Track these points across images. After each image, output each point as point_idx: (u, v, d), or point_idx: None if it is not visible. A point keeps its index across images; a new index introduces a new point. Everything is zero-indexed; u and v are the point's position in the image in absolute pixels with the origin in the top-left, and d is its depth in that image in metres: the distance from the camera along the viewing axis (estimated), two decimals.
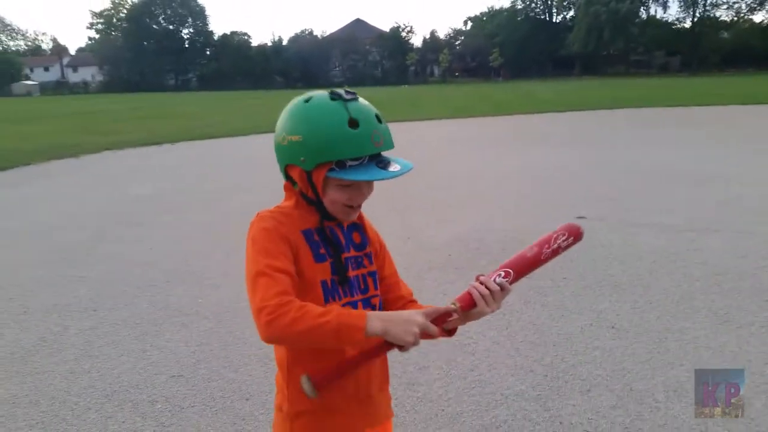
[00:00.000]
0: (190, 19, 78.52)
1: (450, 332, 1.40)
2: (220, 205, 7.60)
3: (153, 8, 76.74)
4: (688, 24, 66.92)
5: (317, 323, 1.16)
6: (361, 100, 1.29)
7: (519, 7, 76.37)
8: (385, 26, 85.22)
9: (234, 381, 3.20)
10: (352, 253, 1.41)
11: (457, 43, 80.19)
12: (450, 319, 1.32)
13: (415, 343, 1.20)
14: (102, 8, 76.89)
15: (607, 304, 4.07)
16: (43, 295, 4.62)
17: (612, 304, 4.09)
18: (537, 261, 1.36)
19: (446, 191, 8.26)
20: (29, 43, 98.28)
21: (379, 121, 1.28)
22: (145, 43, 74.82)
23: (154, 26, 77.47)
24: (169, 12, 77.61)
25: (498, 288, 1.30)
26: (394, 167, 1.27)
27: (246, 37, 78.50)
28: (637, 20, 65.92)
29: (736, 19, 65.71)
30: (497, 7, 78.90)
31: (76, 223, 7.03)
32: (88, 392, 3.14)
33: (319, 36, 77.54)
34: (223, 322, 3.96)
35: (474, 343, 3.52)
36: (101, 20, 79.40)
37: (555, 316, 3.93)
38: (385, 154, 1.31)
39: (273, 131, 1.37)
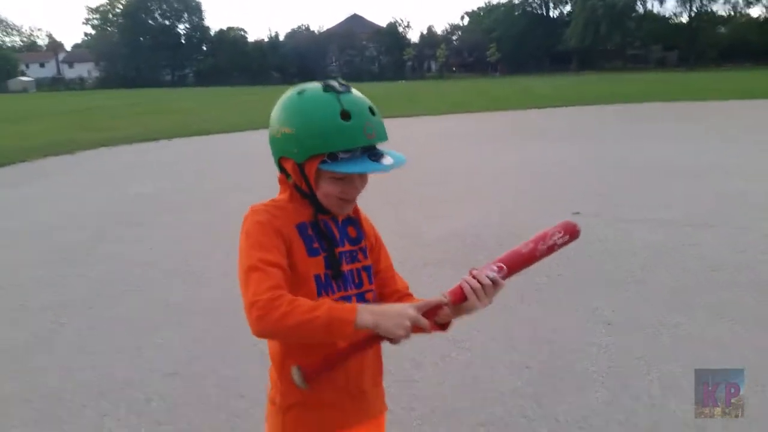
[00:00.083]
0: (186, 15, 78.20)
1: (444, 326, 1.39)
2: (218, 203, 7.57)
3: (149, 3, 76.41)
4: (685, 19, 66.89)
5: (308, 317, 1.16)
6: (354, 92, 1.28)
7: (516, 2, 76.08)
8: (382, 22, 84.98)
9: (229, 378, 3.20)
10: (347, 247, 1.40)
11: (454, 38, 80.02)
12: (441, 312, 1.30)
13: (406, 337, 1.20)
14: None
15: (603, 300, 4.08)
16: (39, 293, 4.61)
17: (607, 299, 4.09)
18: (532, 257, 1.34)
19: (443, 187, 8.26)
20: (24, 39, 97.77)
21: (373, 113, 1.27)
22: (141, 38, 74.50)
23: (150, 22, 77.14)
24: (165, 7, 77.27)
25: (490, 283, 1.29)
26: (387, 160, 1.27)
27: (242, 33, 78.22)
28: (633, 15, 65.87)
29: (733, 13, 65.68)
30: (494, 2, 78.29)
31: (72, 221, 7.02)
32: (83, 390, 3.13)
33: (315, 31, 77.32)
34: (218, 320, 3.95)
35: (469, 339, 3.52)
36: (97, 16, 79.03)
37: (550, 312, 3.94)
38: (380, 147, 1.30)
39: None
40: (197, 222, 6.79)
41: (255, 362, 3.31)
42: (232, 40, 74.67)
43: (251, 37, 78.86)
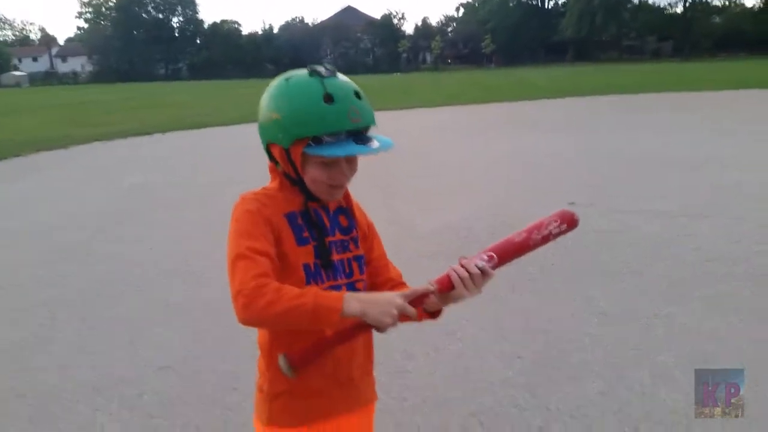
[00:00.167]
0: (179, 8, 77.75)
1: (434, 315, 1.39)
2: (214, 197, 7.55)
3: None
4: (680, 9, 66.85)
5: (294, 305, 1.16)
6: (339, 76, 1.28)
7: None
8: (377, 13, 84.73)
9: (222, 372, 3.20)
10: (338, 236, 1.40)
11: (449, 29, 79.92)
12: (427, 300, 1.29)
13: (393, 325, 1.20)
14: None
15: (597, 291, 4.08)
16: (34, 290, 4.59)
17: (601, 290, 4.10)
18: (524, 246, 1.31)
19: (437, 179, 8.25)
20: (17, 33, 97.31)
21: (358, 97, 1.26)
22: (134, 32, 74.09)
23: (144, 15, 76.67)
24: (158, 0, 76.81)
25: (478, 272, 1.27)
26: (373, 144, 1.26)
27: (236, 26, 77.90)
28: (629, 5, 65.86)
29: (727, 3, 65.74)
30: None
31: (66, 217, 6.99)
32: (76, 386, 3.12)
33: (310, 24, 77.12)
34: (212, 315, 3.93)
35: (461, 330, 3.52)
36: (90, 9, 78.51)
37: (544, 302, 3.95)
38: (371, 134, 1.30)
39: None
40: (193, 217, 6.75)
41: (248, 356, 3.30)
42: (225, 33, 74.35)
43: (245, 30, 78.64)
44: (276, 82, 1.31)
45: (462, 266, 1.28)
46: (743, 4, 65.44)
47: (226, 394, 2.97)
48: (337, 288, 1.36)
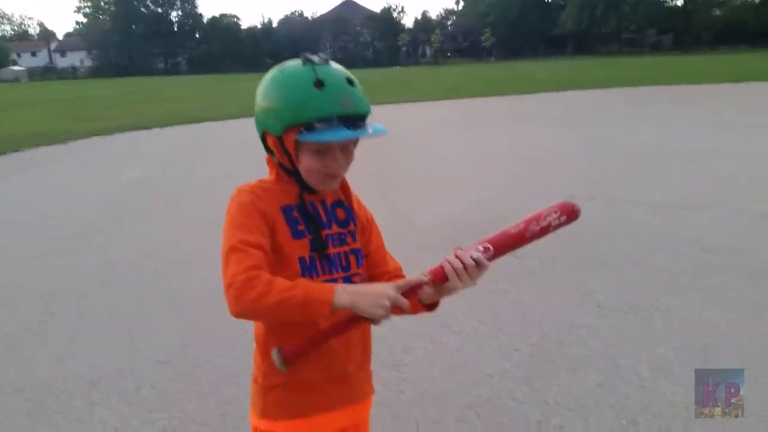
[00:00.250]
0: (178, 2, 77.58)
1: (431, 307, 1.37)
2: (212, 191, 7.53)
3: None
4: (680, 2, 66.48)
5: (284, 297, 1.15)
6: (333, 64, 1.27)
7: None
8: (376, 7, 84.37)
9: (221, 366, 3.19)
10: (335, 229, 1.39)
11: (449, 23, 79.69)
12: (421, 291, 1.27)
13: (385, 317, 1.19)
14: None
15: (595, 283, 4.08)
16: (31, 283, 4.59)
17: (599, 282, 4.09)
18: (521, 238, 1.28)
19: (436, 172, 8.23)
20: (15, 28, 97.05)
21: (351, 84, 1.25)
22: (133, 26, 74.00)
23: (143, 9, 76.54)
24: None
25: (473, 263, 1.24)
26: (365, 130, 1.25)
27: (235, 20, 77.91)
28: None
29: None
30: None
31: (64, 211, 6.98)
32: (73, 379, 3.12)
33: (309, 17, 76.95)
34: (210, 308, 3.93)
35: (459, 323, 3.52)
36: (88, 4, 78.30)
37: (541, 294, 3.94)
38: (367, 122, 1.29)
39: None
40: (192, 211, 6.75)
41: (247, 350, 3.29)
42: (225, 27, 74.23)
43: (244, 24, 78.76)
44: (270, 73, 1.31)
45: (456, 257, 1.25)
46: None
47: (224, 388, 2.97)
48: (333, 282, 1.34)
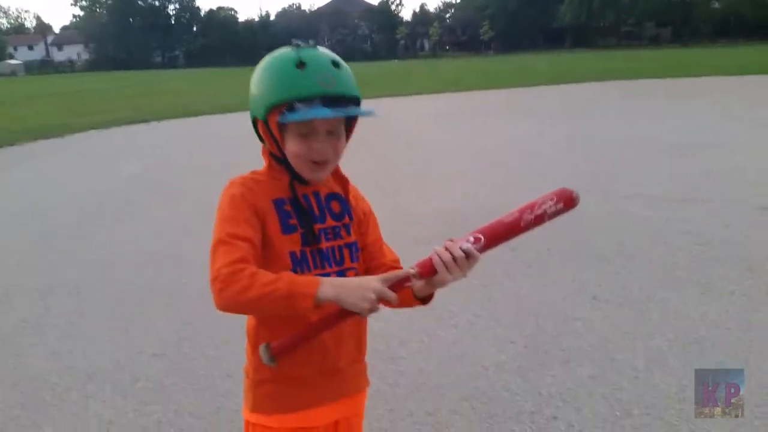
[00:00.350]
0: None
1: (425, 300, 1.35)
2: (209, 185, 7.52)
3: None
4: None
5: (266, 290, 1.13)
6: (320, 48, 1.28)
7: None
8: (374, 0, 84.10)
9: (216, 359, 3.20)
10: (329, 223, 1.36)
11: (447, 16, 79.44)
12: (408, 284, 1.23)
13: (371, 310, 1.16)
14: None
15: (590, 275, 4.08)
16: (27, 277, 4.59)
17: (595, 274, 4.09)
18: (515, 228, 1.22)
19: (433, 165, 8.23)
20: (12, 21, 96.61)
21: (336, 66, 1.25)
22: (130, 19, 73.70)
23: (140, 2, 76.24)
24: None
25: (462, 255, 1.20)
26: (347, 109, 1.24)
27: (233, 13, 77.66)
28: None
29: None
30: None
31: (61, 204, 6.97)
32: (69, 372, 3.12)
33: (307, 10, 76.76)
34: (206, 302, 3.90)
35: (455, 316, 3.53)
36: None
37: (537, 287, 3.95)
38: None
39: None
40: (189, 204, 6.73)
41: (242, 344, 3.30)
42: (222, 20, 73.99)
43: (242, 17, 78.40)
44: (261, 61, 1.32)
45: (446, 249, 1.21)
46: None
47: (220, 381, 2.97)
48: (326, 276, 1.31)
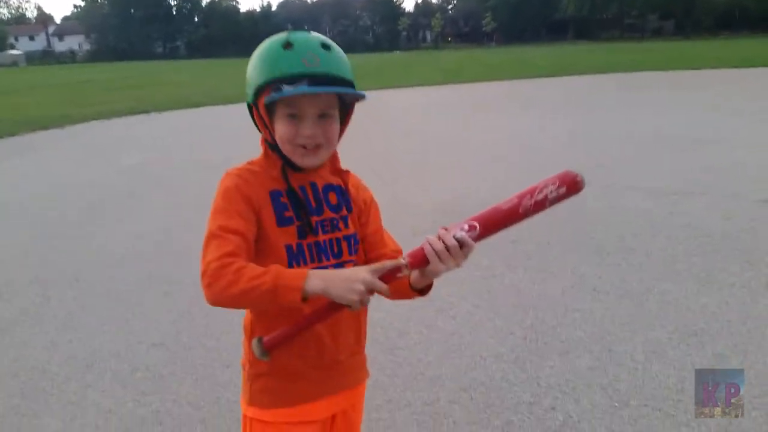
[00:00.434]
0: None
1: (423, 291, 1.32)
2: (209, 177, 7.50)
3: None
4: None
5: (252, 285, 1.11)
6: (311, 33, 1.26)
7: None
8: None
9: (215, 349, 3.20)
10: (326, 215, 1.33)
11: (449, 7, 79.12)
12: (400, 275, 1.18)
13: (361, 302, 1.12)
14: None
15: (590, 267, 4.08)
16: (27, 267, 4.59)
17: (594, 267, 4.09)
18: (513, 215, 1.16)
19: (434, 156, 8.21)
20: (13, 12, 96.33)
21: (326, 48, 1.23)
22: (132, 10, 73.52)
23: None
24: None
25: (456, 244, 1.15)
26: (329, 88, 1.23)
27: (234, 3, 77.52)
28: None
29: None
30: None
31: (61, 195, 6.98)
32: (68, 362, 3.13)
33: (308, 1, 76.39)
34: None
35: (455, 307, 3.53)
36: None
37: (537, 279, 3.94)
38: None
39: None
40: (189, 195, 6.71)
41: (241, 333, 3.31)
42: (223, 10, 73.80)
43: (243, 8, 78.23)
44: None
45: (439, 238, 1.17)
46: None
47: (218, 371, 2.98)
48: (324, 269, 1.29)
